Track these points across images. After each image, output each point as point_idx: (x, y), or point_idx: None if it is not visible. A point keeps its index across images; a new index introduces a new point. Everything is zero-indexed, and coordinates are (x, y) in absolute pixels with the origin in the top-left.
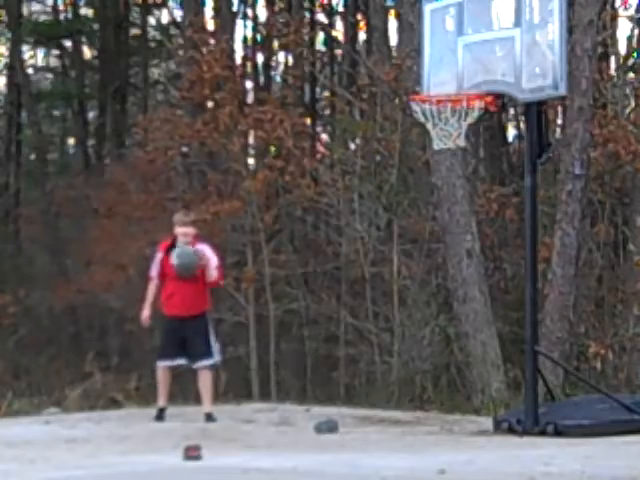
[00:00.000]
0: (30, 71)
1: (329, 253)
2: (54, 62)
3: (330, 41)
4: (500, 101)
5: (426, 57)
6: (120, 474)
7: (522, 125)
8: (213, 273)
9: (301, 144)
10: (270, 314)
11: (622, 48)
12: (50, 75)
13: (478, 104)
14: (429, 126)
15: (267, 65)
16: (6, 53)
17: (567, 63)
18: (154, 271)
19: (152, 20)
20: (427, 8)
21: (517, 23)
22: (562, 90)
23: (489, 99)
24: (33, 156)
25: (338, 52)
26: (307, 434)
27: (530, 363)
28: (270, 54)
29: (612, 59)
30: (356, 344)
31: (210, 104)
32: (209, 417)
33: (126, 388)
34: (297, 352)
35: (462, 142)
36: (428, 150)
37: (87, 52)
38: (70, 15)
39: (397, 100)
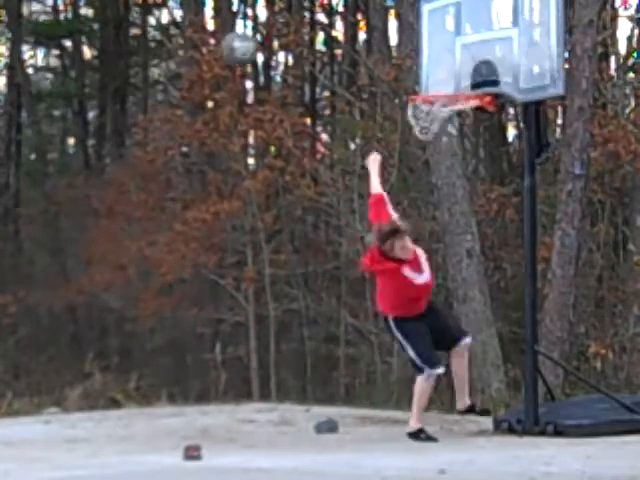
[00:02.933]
0: (30, 71)
1: (329, 253)
2: (54, 62)
3: (330, 41)
4: (500, 101)
5: (424, 57)
6: (120, 474)
7: (522, 125)
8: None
9: (301, 144)
10: (270, 314)
11: (622, 48)
12: (50, 75)
13: (476, 103)
14: (413, 122)
15: (267, 65)
16: (6, 53)
17: (567, 63)
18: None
19: (152, 20)
20: (425, 8)
21: (515, 23)
22: (560, 90)
23: (487, 99)
24: (33, 156)
25: (338, 52)
26: (307, 434)
27: (530, 363)
28: (270, 54)
29: (612, 59)
30: (356, 344)
31: (210, 104)
32: (474, 409)
33: (126, 388)
34: (297, 352)
35: (454, 131)
36: (428, 150)
37: (87, 52)
38: (70, 15)
39: (397, 100)
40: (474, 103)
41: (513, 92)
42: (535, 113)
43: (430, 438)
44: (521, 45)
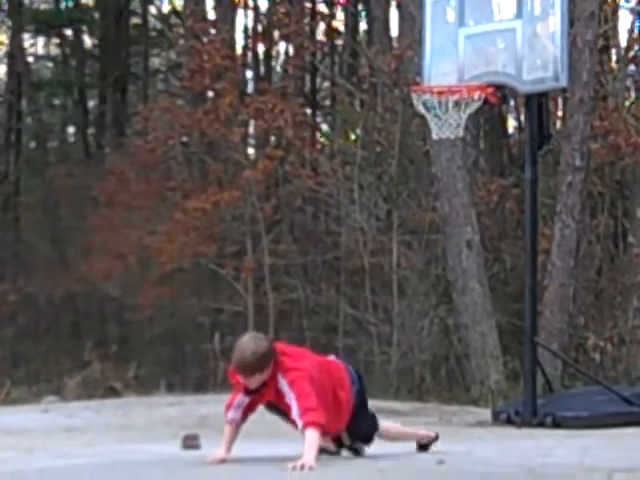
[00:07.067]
0: (30, 59)
1: (329, 243)
2: (54, 51)
3: (331, 31)
4: (501, 92)
5: (427, 48)
6: (118, 463)
7: (522, 117)
8: None
9: (301, 134)
10: (269, 304)
11: (623, 40)
12: (50, 64)
13: (478, 94)
14: (429, 116)
15: (268, 55)
16: (7, 41)
17: (568, 55)
18: None
19: (153, 9)
20: None
21: (518, 15)
22: (563, 82)
23: (490, 90)
24: (33, 144)
25: (339, 42)
26: None
27: (529, 354)
28: (271, 44)
29: (613, 51)
30: (355, 334)
31: (210, 94)
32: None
33: (125, 377)
34: (296, 342)
35: (460, 132)
36: (428, 141)
37: (87, 41)
38: (71, 4)
39: (398, 91)
40: (478, 95)
41: (516, 84)
42: (538, 105)
43: None
44: (524, 37)
